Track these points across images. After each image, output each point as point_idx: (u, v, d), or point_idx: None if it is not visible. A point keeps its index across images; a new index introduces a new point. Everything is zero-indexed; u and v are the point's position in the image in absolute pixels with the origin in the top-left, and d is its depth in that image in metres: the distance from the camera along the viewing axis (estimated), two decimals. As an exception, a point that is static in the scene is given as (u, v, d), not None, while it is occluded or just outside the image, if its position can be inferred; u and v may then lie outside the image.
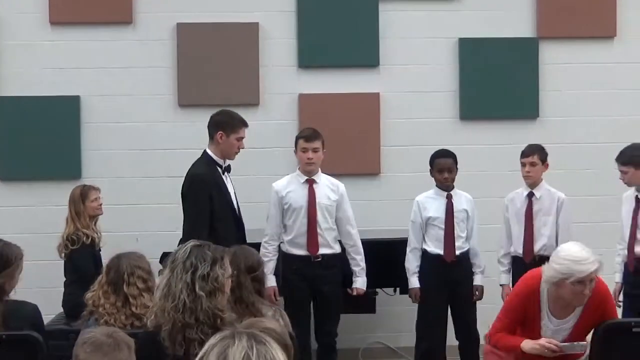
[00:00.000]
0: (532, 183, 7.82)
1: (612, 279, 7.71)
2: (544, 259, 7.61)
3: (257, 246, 6.91)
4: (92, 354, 3.69)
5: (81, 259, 7.82)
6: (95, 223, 8.04)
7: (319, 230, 7.45)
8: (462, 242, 7.77)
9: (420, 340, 7.89)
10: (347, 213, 7.60)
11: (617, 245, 7.74)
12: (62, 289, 7.97)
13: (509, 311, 5.84)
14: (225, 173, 7.20)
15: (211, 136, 7.19)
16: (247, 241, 6.97)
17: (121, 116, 9.00)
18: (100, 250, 7.95)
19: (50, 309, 7.90)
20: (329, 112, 9.00)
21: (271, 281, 7.35)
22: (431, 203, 7.83)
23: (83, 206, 7.96)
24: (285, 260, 7.52)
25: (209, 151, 7.18)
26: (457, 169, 7.87)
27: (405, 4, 9.20)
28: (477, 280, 7.85)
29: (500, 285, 7.87)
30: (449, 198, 7.81)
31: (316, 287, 7.46)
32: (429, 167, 7.90)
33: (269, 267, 7.34)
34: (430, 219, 7.78)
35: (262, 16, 9.11)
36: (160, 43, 9.05)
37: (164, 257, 7.30)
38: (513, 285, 7.65)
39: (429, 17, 9.23)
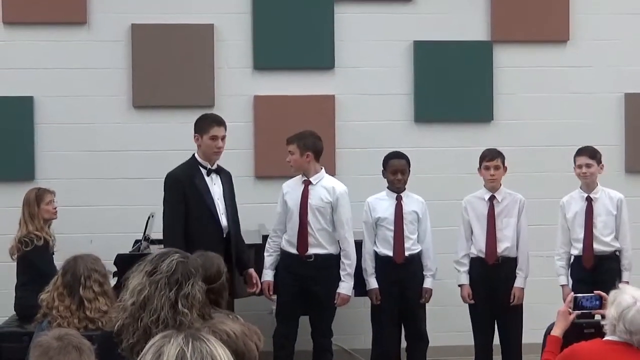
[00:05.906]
0: (494, 186, 7.81)
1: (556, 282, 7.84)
2: (506, 261, 7.71)
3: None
4: (39, 358, 3.68)
5: (38, 258, 7.68)
6: (48, 227, 7.95)
7: (309, 230, 7.53)
8: (411, 243, 7.80)
9: (375, 342, 7.92)
10: (342, 217, 7.60)
11: (558, 250, 7.85)
12: (14, 292, 7.88)
13: None
14: (214, 175, 7.26)
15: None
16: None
17: (75, 117, 8.93)
18: (53, 254, 7.87)
19: (2, 311, 7.85)
20: (284, 114, 8.99)
21: (268, 275, 7.60)
22: (381, 204, 7.88)
23: (38, 209, 7.86)
24: (282, 258, 7.65)
25: (196, 154, 7.30)
26: (409, 171, 7.91)
27: (360, 7, 9.22)
28: (427, 283, 7.85)
29: (459, 285, 7.87)
30: (399, 200, 7.85)
31: (308, 287, 7.53)
32: (381, 169, 7.96)
33: (268, 261, 7.62)
34: (380, 220, 7.82)
35: (218, 18, 9.08)
36: (114, 44, 8.99)
37: (119, 259, 7.31)
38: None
39: (384, 19, 9.26)
